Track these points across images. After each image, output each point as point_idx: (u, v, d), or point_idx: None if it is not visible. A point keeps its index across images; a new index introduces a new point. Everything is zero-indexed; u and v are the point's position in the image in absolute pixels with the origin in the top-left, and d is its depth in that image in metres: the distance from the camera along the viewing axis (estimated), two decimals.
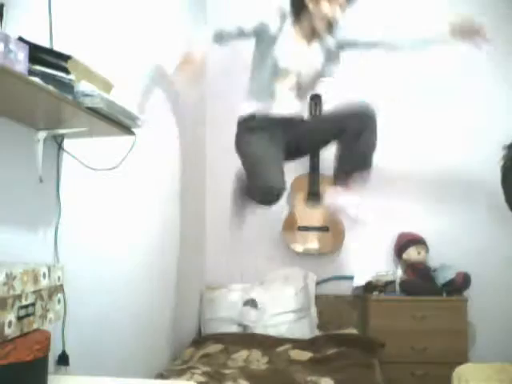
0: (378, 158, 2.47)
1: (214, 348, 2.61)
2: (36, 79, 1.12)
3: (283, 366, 2.36)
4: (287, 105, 2.35)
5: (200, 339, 2.84)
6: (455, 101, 3.22)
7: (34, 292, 1.10)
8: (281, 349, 2.60)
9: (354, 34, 2.38)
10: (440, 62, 3.21)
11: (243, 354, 2.53)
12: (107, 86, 1.43)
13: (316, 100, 3.13)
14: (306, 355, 2.53)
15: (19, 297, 1.05)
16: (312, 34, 2.34)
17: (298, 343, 2.67)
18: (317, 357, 2.51)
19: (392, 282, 3.03)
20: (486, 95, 3.21)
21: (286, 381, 2.16)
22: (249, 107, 2.35)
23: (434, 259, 3.07)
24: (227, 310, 2.98)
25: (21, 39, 1.13)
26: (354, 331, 3.00)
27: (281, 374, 2.24)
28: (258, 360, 2.45)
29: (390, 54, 2.44)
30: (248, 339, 2.72)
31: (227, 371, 2.25)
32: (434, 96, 3.22)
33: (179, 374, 2.18)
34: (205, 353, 2.55)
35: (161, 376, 2.19)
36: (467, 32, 2.28)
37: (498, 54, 3.15)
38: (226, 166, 2.77)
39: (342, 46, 2.38)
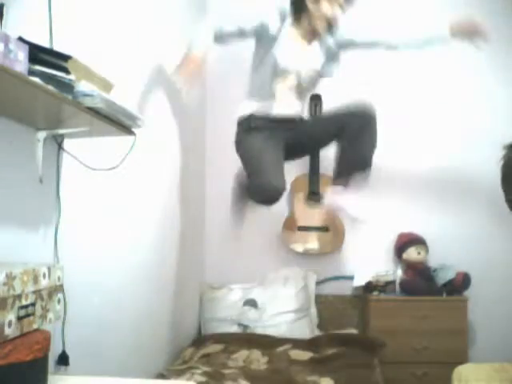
0: (378, 157, 2.46)
1: (213, 348, 2.61)
2: (36, 79, 1.12)
3: (283, 366, 2.35)
4: (287, 105, 2.35)
5: (200, 338, 2.84)
6: (455, 100, 3.22)
7: (34, 292, 1.10)
8: (281, 349, 2.60)
9: (353, 34, 2.38)
10: (440, 61, 3.21)
11: (243, 353, 2.52)
12: (107, 86, 1.43)
13: (316, 100, 3.13)
14: (306, 355, 2.53)
15: (19, 297, 1.05)
16: (312, 34, 2.34)
17: (297, 343, 2.67)
18: (317, 357, 2.51)
19: (392, 282, 3.03)
20: (486, 95, 3.21)
21: (285, 381, 2.16)
22: (248, 107, 2.36)
23: (434, 259, 3.07)
24: (227, 310, 2.98)
25: (21, 39, 1.13)
26: (354, 331, 3.00)
27: (281, 374, 2.23)
28: (259, 360, 2.45)
29: (389, 54, 2.44)
30: (248, 339, 2.71)
31: (227, 371, 2.25)
32: (434, 96, 3.23)
33: (179, 373, 2.18)
34: (205, 352, 2.55)
35: (161, 376, 2.19)
36: (467, 31, 2.28)
37: (499, 53, 3.15)
38: (226, 166, 2.78)
39: (342, 45, 2.38)
